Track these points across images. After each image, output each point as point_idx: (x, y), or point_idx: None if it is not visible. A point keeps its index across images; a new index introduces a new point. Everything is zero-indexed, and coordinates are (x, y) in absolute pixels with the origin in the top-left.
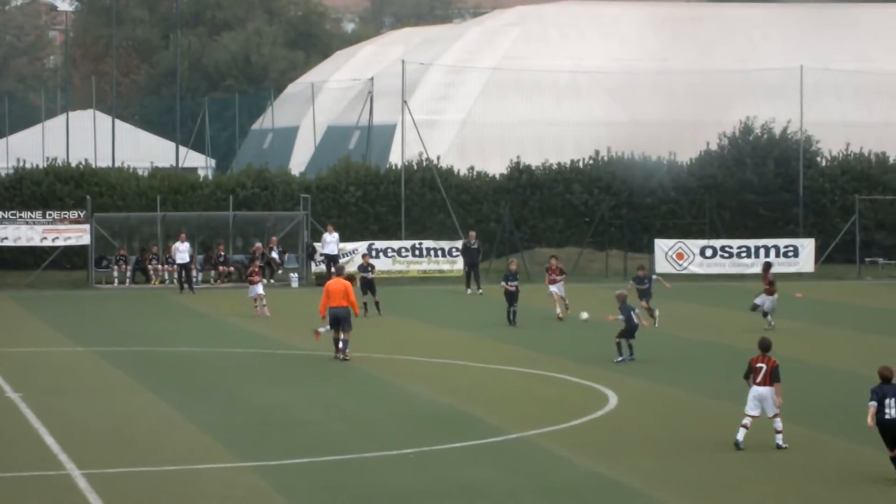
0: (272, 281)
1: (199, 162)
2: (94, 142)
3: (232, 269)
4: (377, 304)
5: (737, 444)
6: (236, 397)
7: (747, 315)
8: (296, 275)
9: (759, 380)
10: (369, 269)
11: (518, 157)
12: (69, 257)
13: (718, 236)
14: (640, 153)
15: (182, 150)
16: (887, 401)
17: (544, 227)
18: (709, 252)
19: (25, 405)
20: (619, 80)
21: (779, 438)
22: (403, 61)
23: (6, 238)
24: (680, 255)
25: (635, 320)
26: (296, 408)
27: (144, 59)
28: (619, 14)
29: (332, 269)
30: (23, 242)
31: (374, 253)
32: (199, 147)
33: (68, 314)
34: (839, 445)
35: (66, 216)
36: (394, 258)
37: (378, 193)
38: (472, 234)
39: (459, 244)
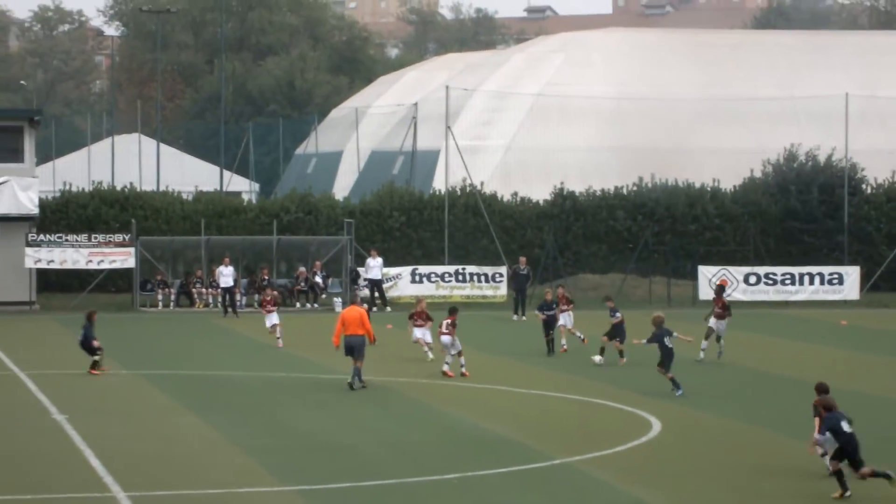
0: (316, 305)
1: (243, 186)
2: (140, 165)
3: (276, 293)
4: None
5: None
6: (279, 421)
7: (790, 342)
8: (339, 299)
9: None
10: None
11: (562, 182)
12: (114, 280)
13: (762, 263)
14: (683, 180)
15: (226, 174)
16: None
17: (588, 253)
18: (752, 279)
19: (71, 427)
20: (663, 106)
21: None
22: (447, 87)
23: (52, 261)
24: (723, 282)
25: (668, 344)
26: (338, 432)
27: (189, 83)
28: (663, 41)
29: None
30: (69, 265)
31: (417, 278)
32: (243, 171)
33: (113, 337)
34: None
35: (112, 239)
36: (437, 283)
37: (422, 219)
38: (523, 259)
39: (503, 270)
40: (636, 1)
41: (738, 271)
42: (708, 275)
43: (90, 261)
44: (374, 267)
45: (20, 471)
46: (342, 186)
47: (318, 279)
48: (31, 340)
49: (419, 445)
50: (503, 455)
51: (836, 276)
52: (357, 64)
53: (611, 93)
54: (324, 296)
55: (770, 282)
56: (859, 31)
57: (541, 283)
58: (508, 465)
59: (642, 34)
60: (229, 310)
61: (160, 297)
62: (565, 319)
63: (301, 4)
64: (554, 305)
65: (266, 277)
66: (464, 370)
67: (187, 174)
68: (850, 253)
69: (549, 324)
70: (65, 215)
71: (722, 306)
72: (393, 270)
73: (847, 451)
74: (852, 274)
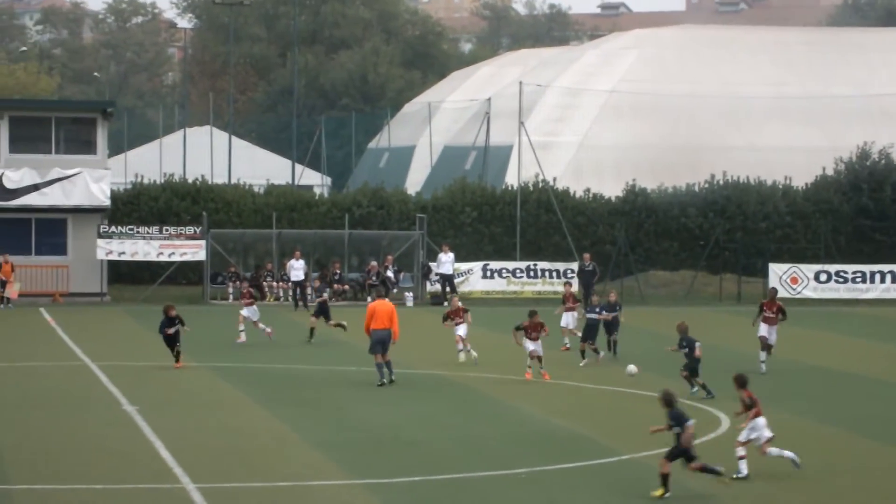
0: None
1: (314, 180)
2: (211, 158)
3: (347, 287)
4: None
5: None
6: (348, 415)
7: (860, 340)
8: (411, 294)
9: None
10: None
11: (634, 179)
12: (185, 273)
13: (833, 261)
14: (755, 177)
15: (298, 167)
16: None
17: (659, 250)
18: (823, 277)
19: (141, 418)
20: (736, 103)
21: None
22: (521, 82)
23: (123, 253)
24: (794, 280)
25: (697, 353)
26: (406, 426)
27: (261, 76)
28: (736, 38)
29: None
30: (139, 257)
31: (488, 273)
32: (314, 165)
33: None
34: None
35: (183, 232)
36: (508, 279)
37: (494, 214)
38: (587, 256)
39: (574, 266)
40: None
41: (809, 269)
42: (779, 272)
43: (161, 253)
44: (446, 262)
45: (91, 461)
46: (414, 181)
47: (390, 274)
48: (102, 332)
49: (489, 440)
50: (572, 450)
51: None
52: (430, 59)
53: (684, 90)
54: (395, 290)
55: (841, 280)
56: None
57: (611, 279)
58: (577, 460)
59: (716, 31)
60: (300, 303)
61: (231, 289)
62: (568, 319)
63: None
64: (618, 308)
65: (338, 271)
66: (543, 373)
67: (259, 167)
68: None
69: (610, 325)
70: (136, 207)
71: (778, 310)
72: (464, 266)
73: (682, 449)
74: None
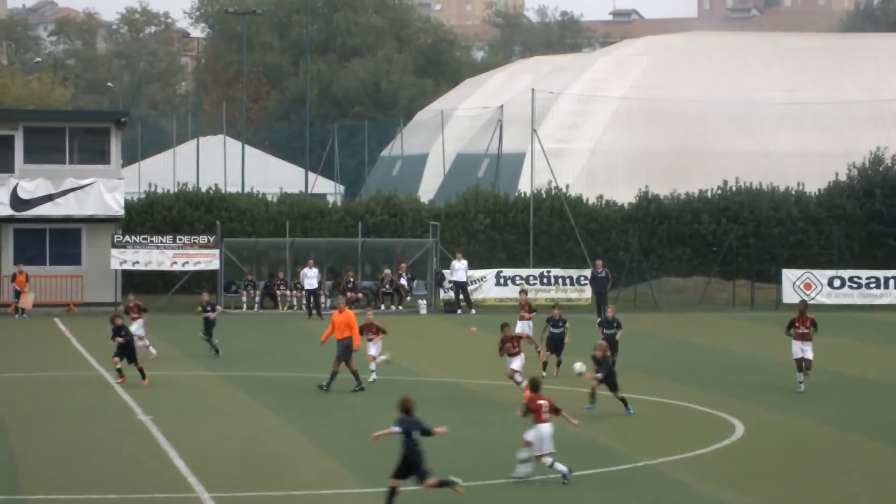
0: (401, 307)
1: (328, 188)
2: (224, 167)
3: (361, 295)
4: (213, 342)
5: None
6: (361, 423)
7: (874, 346)
8: (424, 301)
9: (544, 416)
10: (209, 308)
11: (646, 186)
12: (198, 282)
13: (847, 267)
14: (768, 183)
15: (311, 176)
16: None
17: (672, 256)
18: (837, 282)
19: (156, 427)
20: (748, 110)
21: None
22: (533, 90)
23: (137, 262)
24: (808, 285)
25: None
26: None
27: (274, 85)
28: (747, 44)
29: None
30: (153, 267)
31: (502, 280)
32: (328, 173)
33: (197, 338)
34: None
35: (196, 241)
36: (521, 286)
37: (507, 221)
38: (599, 262)
39: (588, 272)
40: (721, 4)
41: (823, 275)
42: (792, 278)
43: (175, 262)
44: (460, 269)
45: (105, 470)
46: (428, 189)
47: (404, 281)
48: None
49: (503, 447)
50: (587, 457)
51: None
52: (442, 66)
53: (695, 96)
54: (409, 298)
55: (854, 285)
56: None
57: (625, 286)
58: (592, 466)
59: (727, 37)
60: (314, 312)
61: (245, 298)
62: (524, 328)
63: (387, 6)
64: (615, 325)
65: (351, 279)
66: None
67: (272, 176)
68: None
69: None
70: (150, 217)
71: (810, 324)
72: (478, 273)
73: (411, 462)
74: None
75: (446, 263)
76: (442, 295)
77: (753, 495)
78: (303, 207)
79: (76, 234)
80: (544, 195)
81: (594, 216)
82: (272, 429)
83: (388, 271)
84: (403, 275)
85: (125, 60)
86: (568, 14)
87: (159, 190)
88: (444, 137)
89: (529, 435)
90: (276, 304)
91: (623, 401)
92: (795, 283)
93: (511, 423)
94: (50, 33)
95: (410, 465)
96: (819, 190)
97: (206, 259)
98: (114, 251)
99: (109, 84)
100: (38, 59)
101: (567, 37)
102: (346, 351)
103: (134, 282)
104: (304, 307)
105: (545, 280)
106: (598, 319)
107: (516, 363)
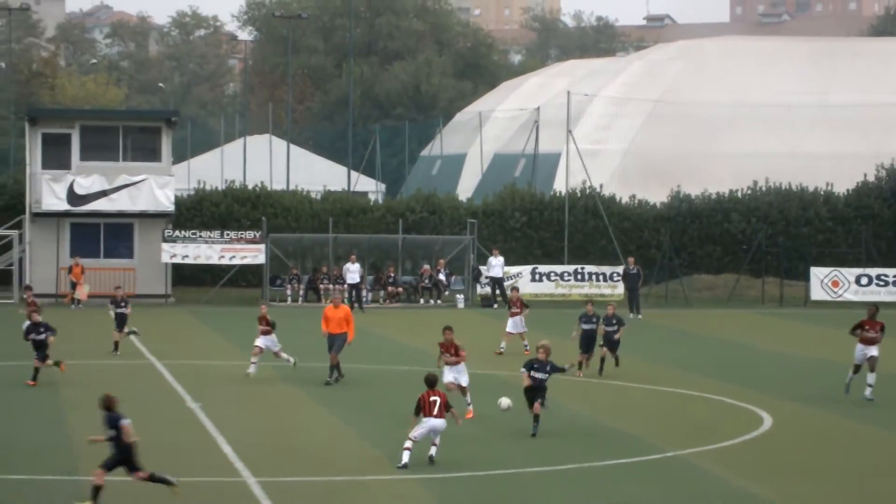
0: (439, 302)
1: (369, 186)
2: (270, 165)
3: (401, 289)
4: (116, 343)
5: (405, 467)
6: (402, 413)
7: None
8: (462, 296)
9: (435, 412)
10: (123, 304)
11: (678, 186)
12: (245, 275)
13: (874, 265)
14: (797, 184)
15: (353, 174)
16: None
17: (702, 254)
18: (864, 280)
19: (204, 415)
20: (779, 112)
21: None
22: (569, 92)
23: (186, 256)
24: (835, 283)
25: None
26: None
27: (318, 86)
28: (780, 48)
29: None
30: (202, 260)
31: (537, 276)
32: (369, 172)
33: (243, 330)
34: None
35: (243, 236)
36: (556, 282)
37: (542, 219)
38: (631, 259)
39: (620, 269)
40: (753, 9)
41: (850, 273)
42: (820, 276)
43: (222, 256)
44: (496, 265)
45: (157, 456)
46: (466, 188)
47: (442, 277)
48: (166, 332)
49: (538, 437)
50: (618, 447)
51: None
52: (481, 69)
53: (727, 99)
54: (447, 293)
55: (882, 283)
56: None
57: (656, 283)
58: (622, 456)
59: (759, 42)
60: (355, 305)
61: (289, 291)
62: (515, 324)
63: (427, 11)
64: (615, 322)
65: (392, 274)
66: (468, 411)
67: (316, 174)
68: None
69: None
70: (199, 213)
71: (880, 329)
72: (514, 269)
73: (123, 456)
74: None
75: (483, 260)
76: (479, 290)
77: (779, 487)
78: (345, 205)
79: (129, 228)
80: (579, 194)
81: (627, 215)
82: (316, 418)
83: (427, 267)
84: (442, 270)
85: (176, 62)
86: (603, 19)
87: (208, 187)
88: (482, 138)
89: (418, 432)
90: (319, 297)
91: (536, 418)
92: (823, 281)
93: (544, 413)
94: (105, 36)
95: (120, 459)
96: (847, 190)
97: (253, 253)
98: (164, 245)
99: (161, 85)
100: (94, 61)
101: (602, 41)
102: (341, 345)
103: (183, 275)
104: (346, 300)
105: (579, 276)
106: (631, 315)
107: (451, 376)
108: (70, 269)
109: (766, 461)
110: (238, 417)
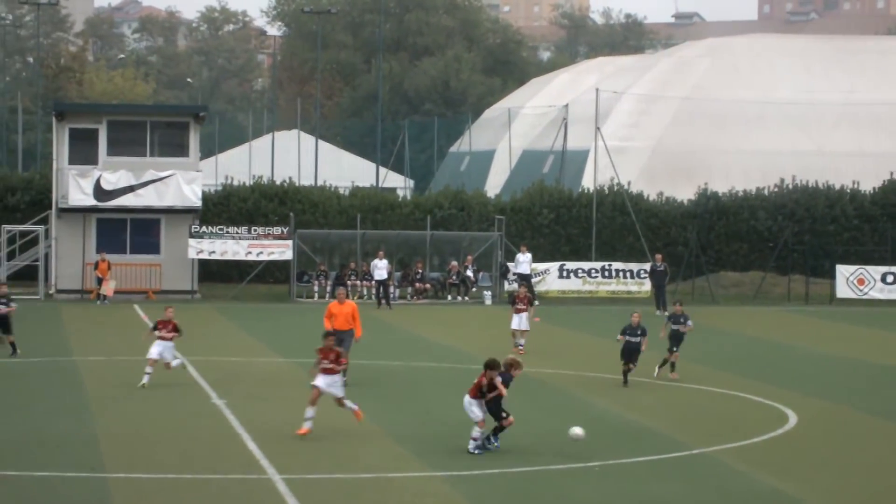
0: (466, 298)
1: (398, 182)
2: (298, 161)
3: (428, 286)
4: (12, 343)
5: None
6: (429, 410)
7: None
8: (489, 292)
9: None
10: (4, 302)
11: (706, 183)
12: (272, 271)
13: None
14: (824, 182)
15: (382, 170)
16: None
17: (729, 251)
18: (890, 278)
19: (230, 411)
20: (806, 110)
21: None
22: (597, 89)
23: (214, 252)
24: (861, 281)
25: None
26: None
27: (347, 82)
28: (807, 46)
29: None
30: (229, 256)
31: (565, 273)
32: (398, 168)
33: (270, 326)
34: None
35: (271, 232)
36: (584, 279)
37: (570, 216)
38: (659, 256)
39: (647, 266)
40: (781, 7)
41: (876, 270)
42: (846, 273)
43: (249, 252)
44: (524, 262)
45: (182, 451)
46: (494, 184)
47: (470, 273)
48: (192, 328)
49: (564, 434)
50: (644, 444)
51: None
52: (510, 66)
53: (755, 97)
54: (474, 289)
55: None
56: None
57: (683, 279)
58: (649, 453)
59: (787, 40)
60: (383, 301)
61: (316, 287)
62: (521, 321)
63: (457, 7)
64: (682, 320)
65: (420, 271)
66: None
67: (344, 170)
68: None
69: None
70: (226, 208)
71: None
72: (541, 266)
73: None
74: None
75: (511, 256)
76: (506, 286)
77: (806, 484)
78: (373, 201)
79: (156, 224)
80: (607, 191)
81: (654, 212)
82: (342, 415)
83: (455, 263)
84: (470, 267)
85: (204, 57)
86: (632, 16)
87: (235, 182)
88: (510, 134)
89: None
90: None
91: (496, 430)
92: (849, 279)
93: (570, 409)
94: (133, 31)
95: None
96: (874, 188)
97: (280, 249)
98: (191, 241)
99: (189, 80)
100: (122, 56)
101: (631, 38)
102: (349, 344)
103: (210, 270)
104: (373, 297)
105: (606, 273)
106: (666, 313)
107: (322, 381)
108: (96, 265)
109: (792, 458)
110: (263, 413)
